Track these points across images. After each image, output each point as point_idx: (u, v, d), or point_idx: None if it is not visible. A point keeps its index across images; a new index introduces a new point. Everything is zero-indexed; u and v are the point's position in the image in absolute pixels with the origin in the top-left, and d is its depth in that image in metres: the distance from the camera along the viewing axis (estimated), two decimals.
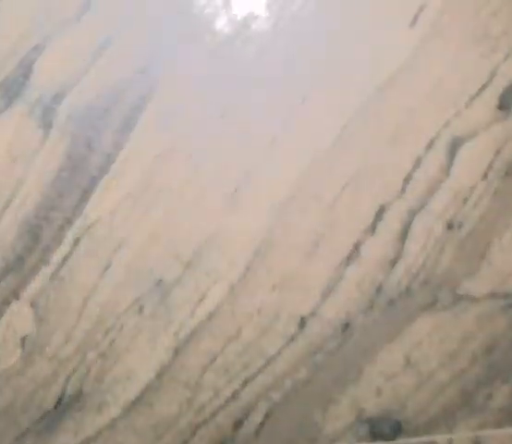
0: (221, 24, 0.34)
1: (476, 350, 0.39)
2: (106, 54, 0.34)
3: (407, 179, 0.36)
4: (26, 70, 0.33)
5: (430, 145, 0.36)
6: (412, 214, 0.36)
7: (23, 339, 0.36)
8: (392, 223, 0.36)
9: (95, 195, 0.35)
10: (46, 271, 0.35)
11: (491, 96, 0.36)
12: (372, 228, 0.36)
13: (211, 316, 0.37)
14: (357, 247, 0.37)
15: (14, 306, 0.36)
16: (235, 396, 0.38)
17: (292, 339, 0.37)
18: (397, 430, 0.40)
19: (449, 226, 0.37)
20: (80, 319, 0.37)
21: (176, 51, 0.34)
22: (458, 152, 0.36)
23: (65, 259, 0.35)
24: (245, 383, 0.37)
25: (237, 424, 0.38)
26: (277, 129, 0.36)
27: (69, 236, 0.35)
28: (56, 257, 0.35)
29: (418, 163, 0.36)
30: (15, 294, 0.36)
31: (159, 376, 0.36)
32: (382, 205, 0.36)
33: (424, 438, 0.40)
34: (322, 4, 0.34)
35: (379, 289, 0.37)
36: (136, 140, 0.35)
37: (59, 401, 0.37)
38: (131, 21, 0.33)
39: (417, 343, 0.38)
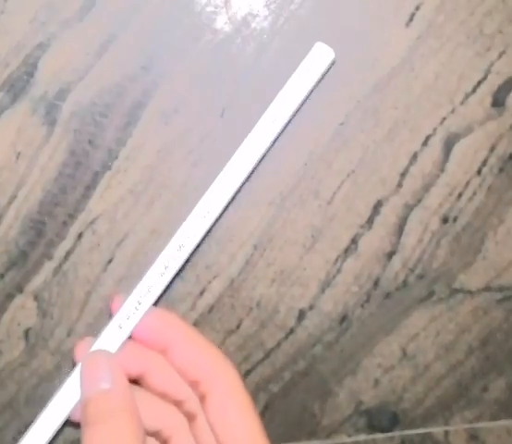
0: (221, 22, 0.34)
1: (472, 342, 0.39)
2: (109, 51, 0.34)
3: (403, 175, 0.37)
4: (30, 68, 0.34)
5: (426, 142, 0.36)
6: (408, 208, 0.37)
7: (27, 332, 0.37)
8: (389, 217, 0.37)
9: (98, 191, 0.35)
10: (50, 265, 0.35)
11: (485, 94, 0.36)
12: (370, 223, 0.37)
13: (211, 309, 0.37)
14: (354, 241, 0.37)
15: (18, 300, 0.36)
16: None
17: (291, 331, 0.38)
18: (394, 422, 0.40)
19: (444, 220, 0.37)
20: (83, 313, 0.37)
21: (177, 49, 0.34)
22: (454, 148, 0.37)
23: (68, 254, 0.35)
24: (245, 375, 0.38)
25: None
26: None
27: (72, 231, 0.35)
28: (60, 252, 0.35)
29: (414, 159, 0.36)
30: (19, 288, 0.36)
31: None
32: (379, 200, 0.37)
33: (420, 430, 0.40)
34: (319, 3, 0.35)
35: (376, 283, 0.38)
36: (138, 136, 0.35)
37: None
38: (133, 20, 0.34)
39: (413, 336, 0.38)
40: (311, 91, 0.31)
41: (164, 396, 0.32)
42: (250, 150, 0.31)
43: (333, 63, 0.31)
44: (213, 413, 0.29)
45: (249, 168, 0.31)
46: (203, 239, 0.31)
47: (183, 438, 0.31)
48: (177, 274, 0.32)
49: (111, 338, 0.31)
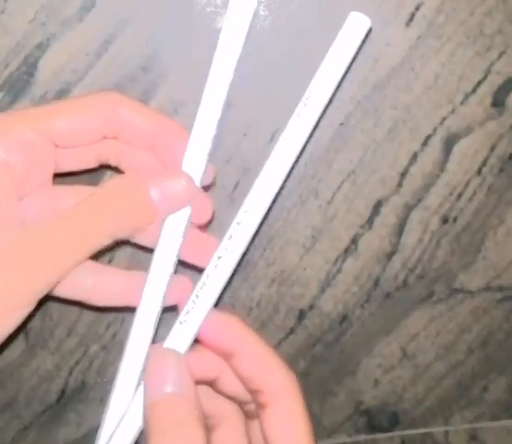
0: (221, 22, 0.34)
1: (472, 342, 0.39)
2: (109, 51, 0.34)
3: (403, 175, 0.37)
4: (30, 68, 0.34)
5: (426, 141, 0.36)
6: (408, 208, 0.37)
7: (27, 332, 0.37)
8: (389, 217, 0.37)
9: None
10: None
11: (485, 94, 0.36)
12: (370, 223, 0.37)
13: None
14: (354, 241, 0.37)
15: None
16: None
17: (291, 331, 0.38)
18: (395, 422, 0.40)
19: (444, 220, 0.37)
20: (83, 313, 0.37)
21: (176, 49, 0.34)
22: (454, 148, 0.37)
23: None
24: None
25: None
26: (277, 125, 0.36)
27: None
28: None
29: (414, 159, 0.36)
30: None
31: None
32: (379, 200, 0.37)
33: (420, 430, 0.40)
34: (319, 3, 0.35)
35: (376, 283, 0.38)
36: None
37: (62, 395, 0.38)
38: (133, 20, 0.34)
39: (413, 336, 0.39)
40: (350, 65, 0.30)
41: (231, 398, 0.31)
42: (296, 132, 0.30)
43: (369, 32, 0.30)
44: (271, 424, 0.29)
45: (295, 155, 0.30)
46: (259, 228, 0.30)
47: (233, 429, 0.30)
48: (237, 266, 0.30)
49: (177, 337, 0.29)
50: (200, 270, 0.30)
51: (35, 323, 0.36)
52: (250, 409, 0.31)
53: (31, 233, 0.27)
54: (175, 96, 0.35)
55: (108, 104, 0.29)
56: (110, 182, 0.29)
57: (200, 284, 0.29)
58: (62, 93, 0.34)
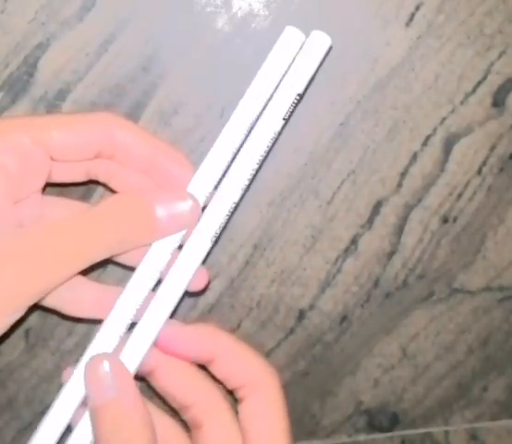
0: (221, 22, 0.34)
1: (472, 342, 0.39)
2: (109, 52, 0.34)
3: (403, 175, 0.37)
4: (30, 68, 0.34)
5: (426, 142, 0.36)
6: (408, 208, 0.37)
7: (27, 332, 0.37)
8: (389, 217, 0.37)
9: (99, 192, 0.35)
10: None
11: (485, 94, 0.36)
12: (370, 223, 0.37)
13: (211, 309, 0.37)
14: (354, 241, 0.37)
15: None
16: None
17: (291, 331, 0.38)
18: (394, 422, 0.40)
19: (444, 220, 0.37)
20: None
21: (177, 49, 0.34)
22: (454, 148, 0.37)
23: None
24: None
25: None
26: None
27: None
28: None
29: (414, 159, 0.36)
30: None
31: None
32: (379, 200, 0.37)
33: (420, 430, 0.40)
34: (319, 3, 0.35)
35: (376, 283, 0.38)
36: None
37: None
38: (133, 20, 0.34)
39: (413, 336, 0.39)
40: (311, 80, 0.31)
41: (172, 399, 0.31)
42: (253, 148, 0.30)
43: (330, 50, 0.31)
44: (245, 416, 0.29)
45: (255, 165, 0.30)
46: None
47: None
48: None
49: (137, 339, 0.29)
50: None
51: (35, 323, 0.36)
52: (196, 416, 0.30)
53: (31, 238, 0.26)
54: (175, 96, 0.35)
55: (103, 123, 0.29)
56: (115, 196, 0.29)
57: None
58: (62, 93, 0.34)
